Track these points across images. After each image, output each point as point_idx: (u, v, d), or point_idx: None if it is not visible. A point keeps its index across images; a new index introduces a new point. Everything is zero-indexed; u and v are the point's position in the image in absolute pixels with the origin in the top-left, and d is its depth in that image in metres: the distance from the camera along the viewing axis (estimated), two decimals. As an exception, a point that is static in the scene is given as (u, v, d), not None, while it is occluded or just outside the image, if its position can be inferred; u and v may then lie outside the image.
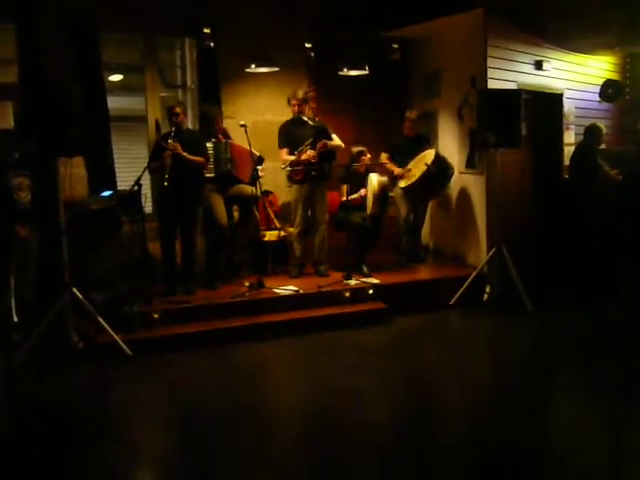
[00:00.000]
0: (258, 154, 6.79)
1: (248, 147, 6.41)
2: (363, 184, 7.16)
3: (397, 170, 7.43)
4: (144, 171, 6.20)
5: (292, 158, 6.75)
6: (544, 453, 3.76)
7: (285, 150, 6.84)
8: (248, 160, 6.52)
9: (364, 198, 7.11)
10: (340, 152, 7.02)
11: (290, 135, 6.84)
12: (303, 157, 6.71)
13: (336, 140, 6.91)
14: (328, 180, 6.98)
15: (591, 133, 7.56)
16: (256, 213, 7.00)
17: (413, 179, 7.18)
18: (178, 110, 6.33)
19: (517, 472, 3.59)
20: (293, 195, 6.96)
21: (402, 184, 7.34)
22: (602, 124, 7.68)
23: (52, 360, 5.38)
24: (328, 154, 6.82)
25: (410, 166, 7.32)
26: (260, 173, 6.77)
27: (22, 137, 5.78)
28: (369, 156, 7.20)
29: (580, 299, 6.94)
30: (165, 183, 6.02)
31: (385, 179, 7.00)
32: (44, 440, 4.20)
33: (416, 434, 4.12)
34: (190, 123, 7.49)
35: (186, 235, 6.43)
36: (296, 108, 6.85)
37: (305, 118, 6.83)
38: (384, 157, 7.54)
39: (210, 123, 6.70)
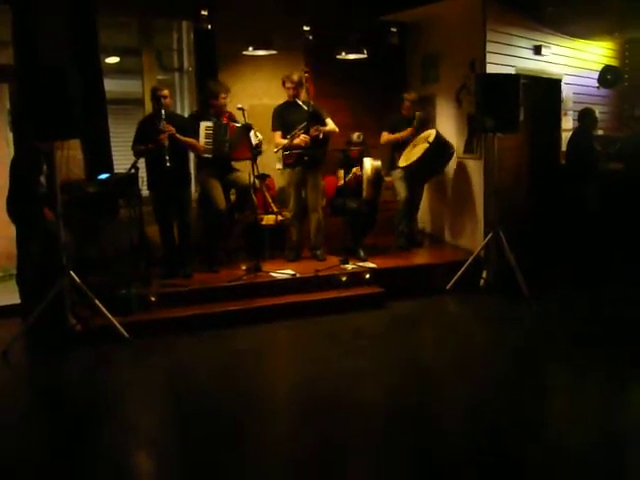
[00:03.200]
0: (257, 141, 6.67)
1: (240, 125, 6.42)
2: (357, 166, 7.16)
3: (398, 135, 7.41)
4: (139, 154, 6.18)
5: (285, 142, 6.73)
6: (541, 436, 3.79)
7: (278, 133, 6.81)
8: (244, 143, 6.45)
9: (359, 180, 7.08)
10: (334, 136, 6.99)
11: (283, 118, 6.81)
12: (295, 141, 6.69)
13: (330, 124, 6.87)
14: (322, 165, 6.97)
15: (585, 117, 7.60)
16: (253, 197, 6.98)
17: (414, 158, 7.18)
18: (166, 93, 6.28)
19: (513, 455, 3.62)
20: (286, 179, 6.96)
21: (402, 163, 7.33)
22: (596, 108, 7.73)
23: (49, 342, 5.41)
24: (321, 140, 6.80)
25: (411, 145, 7.34)
26: (255, 140, 6.64)
27: (19, 119, 5.76)
28: (358, 148, 7.18)
29: (575, 282, 6.98)
30: (167, 164, 6.00)
31: (379, 163, 6.99)
32: (42, 422, 4.23)
33: (412, 417, 4.13)
34: (187, 105, 7.49)
35: (180, 217, 6.43)
36: (291, 92, 6.81)
37: (299, 102, 6.81)
38: (385, 137, 7.51)
39: (211, 97, 6.57)
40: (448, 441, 3.81)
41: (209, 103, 6.60)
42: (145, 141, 6.16)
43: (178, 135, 6.14)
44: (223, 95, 6.57)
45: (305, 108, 6.73)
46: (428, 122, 7.74)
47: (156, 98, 6.26)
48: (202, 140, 6.38)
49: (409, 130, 7.39)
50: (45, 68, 5.37)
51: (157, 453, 3.86)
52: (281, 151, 6.79)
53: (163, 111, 6.18)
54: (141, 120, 6.55)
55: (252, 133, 6.48)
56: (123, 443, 3.88)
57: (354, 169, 7.08)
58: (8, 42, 6.34)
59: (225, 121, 6.56)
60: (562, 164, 7.90)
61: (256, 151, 6.52)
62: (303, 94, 6.83)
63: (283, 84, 6.87)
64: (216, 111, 6.56)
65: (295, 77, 6.79)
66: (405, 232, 7.54)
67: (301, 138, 6.67)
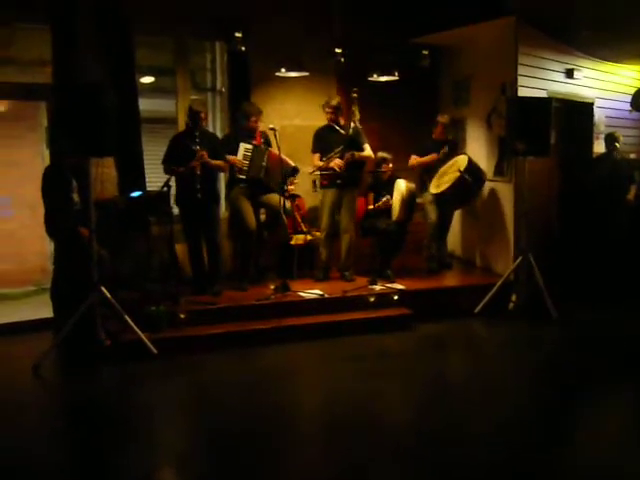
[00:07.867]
0: (293, 165, 6.77)
1: (279, 153, 6.44)
2: (387, 191, 7.15)
3: (427, 158, 7.40)
4: (172, 173, 6.24)
5: (321, 164, 6.79)
6: (566, 460, 3.73)
7: (317, 155, 6.89)
8: (279, 169, 6.52)
9: (388, 206, 7.08)
10: (369, 162, 7.07)
11: (322, 141, 6.89)
12: (330, 165, 6.75)
13: (367, 150, 6.92)
14: (358, 187, 7.01)
15: (609, 141, 7.65)
16: (284, 217, 7.01)
17: (445, 185, 7.13)
18: (203, 115, 6.40)
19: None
20: (321, 199, 6.99)
21: (433, 190, 7.30)
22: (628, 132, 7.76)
23: (80, 357, 5.47)
24: (358, 162, 6.85)
25: (442, 171, 7.30)
26: (290, 186, 6.79)
27: (55, 137, 5.88)
28: (391, 165, 7.20)
29: (604, 306, 6.89)
30: (198, 194, 6.11)
31: (413, 185, 6.98)
32: (70, 437, 4.27)
33: (438, 439, 4.10)
34: (219, 125, 7.58)
35: (209, 235, 6.47)
36: (330, 116, 6.87)
37: (337, 127, 6.86)
38: (414, 159, 7.52)
39: (245, 119, 6.65)
40: (475, 464, 3.77)
41: (241, 124, 6.69)
42: (176, 159, 6.23)
43: (208, 159, 6.22)
44: (254, 118, 6.65)
45: (343, 132, 6.80)
46: (457, 147, 7.73)
47: (193, 117, 6.34)
48: (240, 158, 6.46)
49: (433, 156, 7.38)
50: (82, 87, 5.48)
51: (184, 470, 3.87)
52: (317, 173, 6.84)
53: (197, 132, 6.27)
54: (174, 136, 6.59)
55: (291, 178, 6.67)
56: (151, 460, 3.90)
57: (384, 198, 7.08)
58: (47, 61, 6.49)
59: (258, 142, 6.64)
60: (590, 188, 7.85)
61: (285, 188, 6.61)
62: (342, 118, 6.92)
63: (323, 109, 6.93)
64: (248, 132, 6.64)
65: (333, 102, 6.86)
66: (435, 255, 7.51)
67: (335, 162, 6.73)
